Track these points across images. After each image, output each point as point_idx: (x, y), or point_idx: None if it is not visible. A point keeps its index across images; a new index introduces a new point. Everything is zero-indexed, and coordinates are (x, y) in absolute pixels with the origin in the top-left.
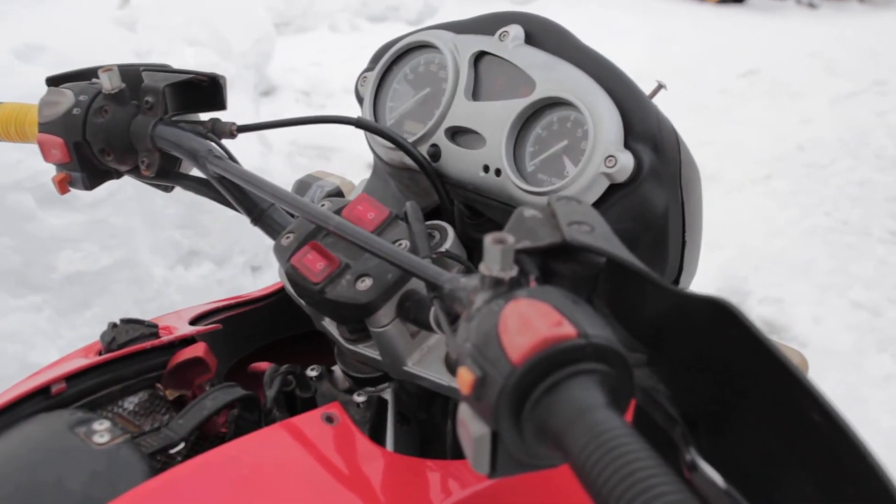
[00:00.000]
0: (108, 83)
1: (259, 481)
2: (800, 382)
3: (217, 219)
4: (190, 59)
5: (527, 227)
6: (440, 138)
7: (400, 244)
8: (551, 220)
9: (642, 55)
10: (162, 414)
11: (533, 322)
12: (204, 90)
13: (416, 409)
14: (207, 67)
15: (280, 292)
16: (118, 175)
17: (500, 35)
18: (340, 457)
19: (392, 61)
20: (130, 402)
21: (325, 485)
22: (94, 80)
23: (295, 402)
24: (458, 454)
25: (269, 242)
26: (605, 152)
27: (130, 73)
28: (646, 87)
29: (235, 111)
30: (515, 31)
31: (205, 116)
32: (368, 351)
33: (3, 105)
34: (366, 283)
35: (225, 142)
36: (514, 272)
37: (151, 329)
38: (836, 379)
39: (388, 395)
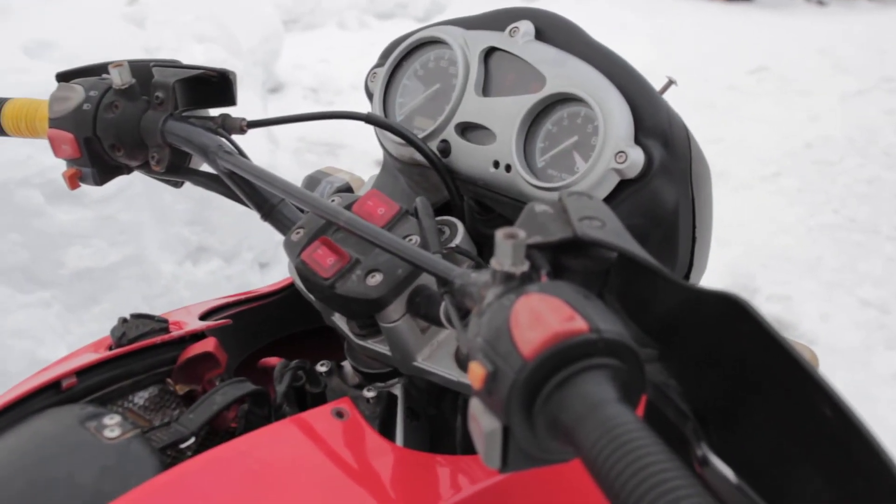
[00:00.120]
0: (119, 78)
1: (269, 476)
2: (811, 377)
3: (225, 215)
4: (198, 55)
5: (538, 223)
6: (450, 134)
7: (410, 240)
8: (562, 216)
9: (650, 52)
10: (172, 409)
11: (544, 317)
12: (214, 86)
13: (426, 405)
14: (216, 64)
15: (290, 288)
16: (128, 170)
17: (511, 31)
18: (350, 452)
19: (402, 57)
20: (141, 397)
21: (336, 479)
22: (104, 75)
23: (305, 398)
24: (467, 450)
25: (278, 239)
26: (616, 148)
27: (141, 69)
28: (654, 84)
29: (244, 108)
30: (526, 26)
31: (215, 112)
32: (378, 346)
33: (14, 100)
34: (376, 279)
35: (235, 137)
36: (525, 267)
37: (161, 324)
38: (844, 377)
39: (397, 390)
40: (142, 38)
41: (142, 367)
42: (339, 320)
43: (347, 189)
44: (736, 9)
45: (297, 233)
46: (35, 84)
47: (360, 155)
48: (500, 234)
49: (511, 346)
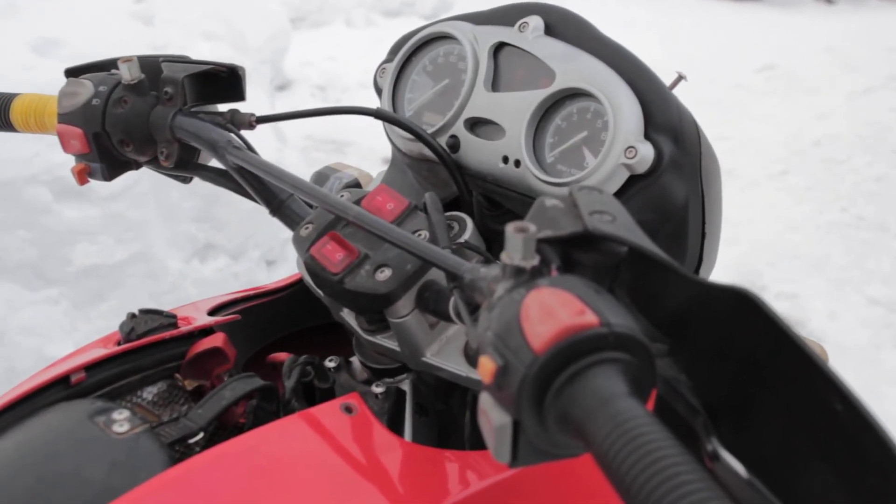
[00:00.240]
0: (128, 74)
1: (278, 471)
2: (822, 372)
3: (233, 212)
4: (206, 53)
5: (548, 217)
6: (459, 129)
7: (419, 235)
8: (573, 210)
9: (658, 50)
10: (181, 404)
11: (555, 311)
12: (223, 81)
13: (435, 400)
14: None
15: (298, 283)
16: (137, 166)
17: (520, 26)
18: (359, 447)
19: (411, 52)
20: (149, 392)
21: (344, 475)
22: (113, 70)
23: (313, 393)
24: (475, 445)
25: (284, 236)
26: (626, 143)
27: (150, 64)
28: (664, 80)
29: (251, 105)
30: (535, 21)
31: (223, 108)
32: (387, 342)
33: (23, 96)
34: (385, 274)
35: (244, 133)
36: (535, 261)
37: (170, 319)
38: (852, 375)
39: (406, 385)
40: (149, 36)
41: (150, 362)
42: (348, 316)
43: (356, 184)
44: (744, 7)
45: (306, 228)
46: (42, 82)
47: (367, 152)
48: (510, 227)
49: (521, 340)
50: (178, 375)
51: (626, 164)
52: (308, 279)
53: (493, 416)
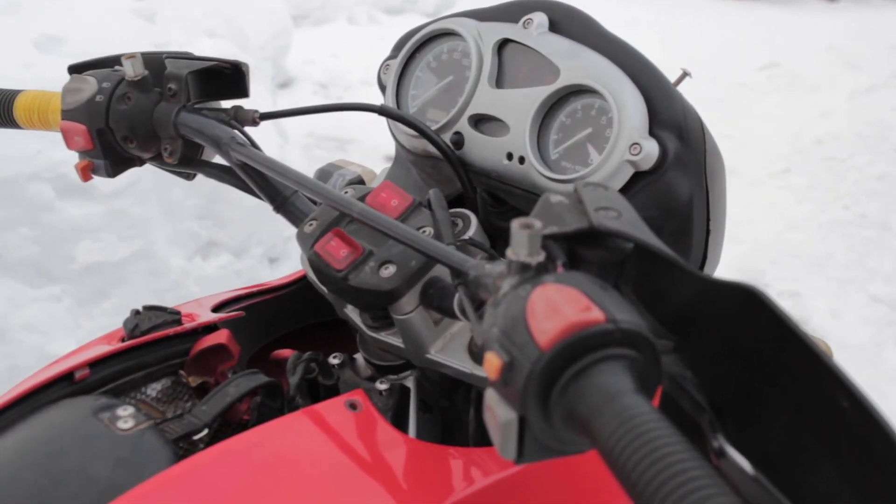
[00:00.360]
0: (132, 70)
1: (282, 468)
2: (829, 369)
3: (235, 210)
4: (208, 50)
5: (554, 213)
6: (463, 126)
7: (424, 231)
8: (578, 206)
9: (660, 48)
10: (185, 400)
11: (561, 307)
12: (226, 78)
13: (439, 397)
14: None
15: (302, 280)
16: (141, 162)
17: (525, 22)
18: (363, 443)
19: (415, 49)
20: (153, 389)
21: (349, 471)
22: (116, 67)
23: (317, 390)
24: (480, 442)
25: (287, 234)
26: (630, 140)
27: (153, 61)
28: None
29: (253, 103)
30: (539, 18)
31: (227, 104)
32: (391, 338)
33: (26, 92)
34: (389, 270)
35: (247, 129)
36: (541, 257)
37: (174, 316)
38: (854, 373)
39: (410, 382)
40: (151, 34)
41: (154, 358)
42: (352, 312)
43: (359, 181)
44: (746, 5)
45: (310, 224)
46: (45, 78)
47: (369, 150)
48: (516, 224)
49: (527, 336)
50: (182, 372)
51: (630, 161)
52: (312, 276)
53: (498, 413)
